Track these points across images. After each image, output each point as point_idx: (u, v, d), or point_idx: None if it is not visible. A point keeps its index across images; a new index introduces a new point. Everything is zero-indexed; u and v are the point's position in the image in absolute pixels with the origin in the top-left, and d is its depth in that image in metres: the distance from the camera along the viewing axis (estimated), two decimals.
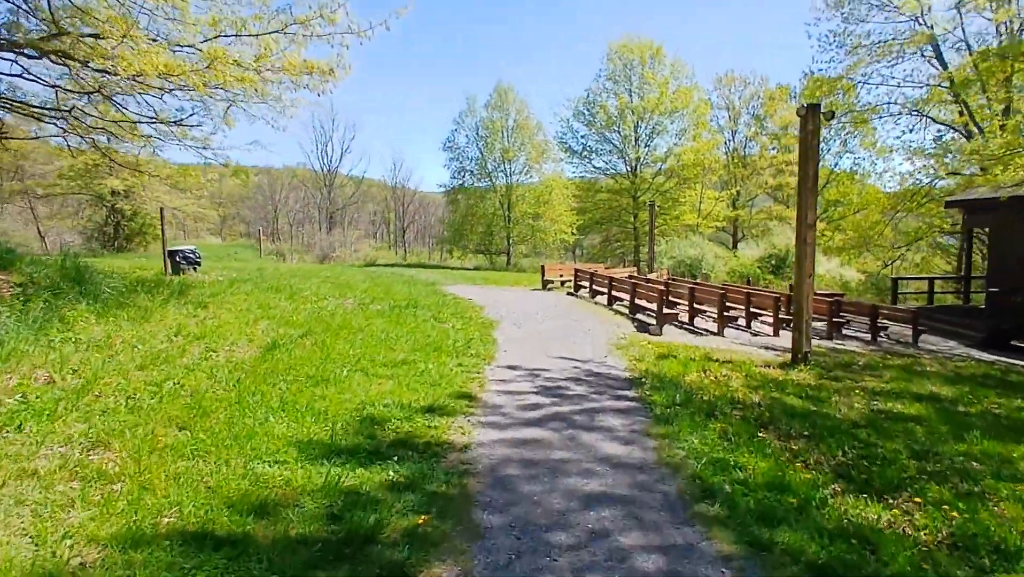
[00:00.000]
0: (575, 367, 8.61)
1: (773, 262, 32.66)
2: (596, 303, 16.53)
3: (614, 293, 15.94)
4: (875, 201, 47.33)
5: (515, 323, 12.49)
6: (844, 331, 15.43)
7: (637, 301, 14.17)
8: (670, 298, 13.74)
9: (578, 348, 10.11)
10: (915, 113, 27.96)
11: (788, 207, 47.36)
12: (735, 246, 45.12)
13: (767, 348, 12.26)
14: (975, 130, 24.78)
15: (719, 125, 46.40)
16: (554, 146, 40.77)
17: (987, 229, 19.96)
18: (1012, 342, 16.41)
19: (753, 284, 24.45)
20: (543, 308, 15.04)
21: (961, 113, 25.91)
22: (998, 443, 6.57)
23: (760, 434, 6.20)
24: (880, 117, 31.15)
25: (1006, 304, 15.88)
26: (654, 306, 13.21)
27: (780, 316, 13.78)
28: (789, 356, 11.14)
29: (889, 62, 26.98)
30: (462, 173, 41.33)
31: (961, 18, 25.36)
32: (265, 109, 10.88)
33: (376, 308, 12.12)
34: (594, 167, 41.41)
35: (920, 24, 25.56)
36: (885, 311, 15.45)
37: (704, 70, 76.01)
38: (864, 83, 28.27)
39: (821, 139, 39.64)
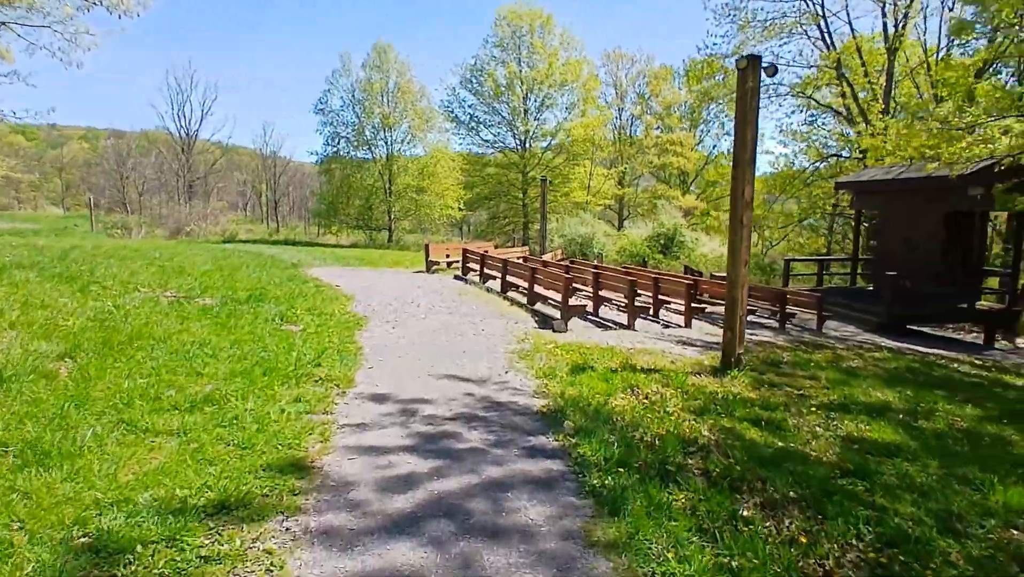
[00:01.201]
0: (467, 393, 6.21)
1: (662, 241, 31.94)
2: (488, 289, 14.22)
3: (509, 279, 13.70)
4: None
5: (390, 320, 9.90)
6: (750, 318, 14.23)
7: (538, 290, 12.01)
8: (574, 285, 11.68)
9: (470, 358, 7.71)
10: (801, 95, 27.80)
11: (670, 187, 47.54)
12: (621, 224, 44.53)
13: (683, 342, 10.52)
14: (858, 115, 24.84)
15: (607, 102, 45.45)
16: (440, 115, 37.76)
17: (875, 212, 19.75)
18: (908, 326, 16.01)
19: (645, 265, 23.23)
20: (427, 297, 12.51)
21: (844, 96, 25.93)
22: (1018, 489, 4.98)
23: (742, 511, 4.15)
24: (768, 98, 30.88)
25: (898, 288, 15.36)
26: (558, 296, 11.10)
27: (693, 305, 12.16)
28: (713, 355, 9.45)
29: (779, 41, 26.51)
30: (337, 140, 37.34)
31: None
32: (50, 36, 7.78)
33: (203, 304, 9.07)
34: (482, 139, 39.00)
35: (808, 4, 25.12)
36: (793, 297, 14.36)
37: (593, 45, 75.81)
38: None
39: (703, 120, 39.00)
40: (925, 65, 25.05)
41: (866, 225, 21.94)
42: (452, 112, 38.43)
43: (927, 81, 25.26)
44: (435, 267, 18.79)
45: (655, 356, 8.93)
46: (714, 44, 30.26)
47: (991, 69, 22.18)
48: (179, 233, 36.24)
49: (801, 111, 34.58)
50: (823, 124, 34.84)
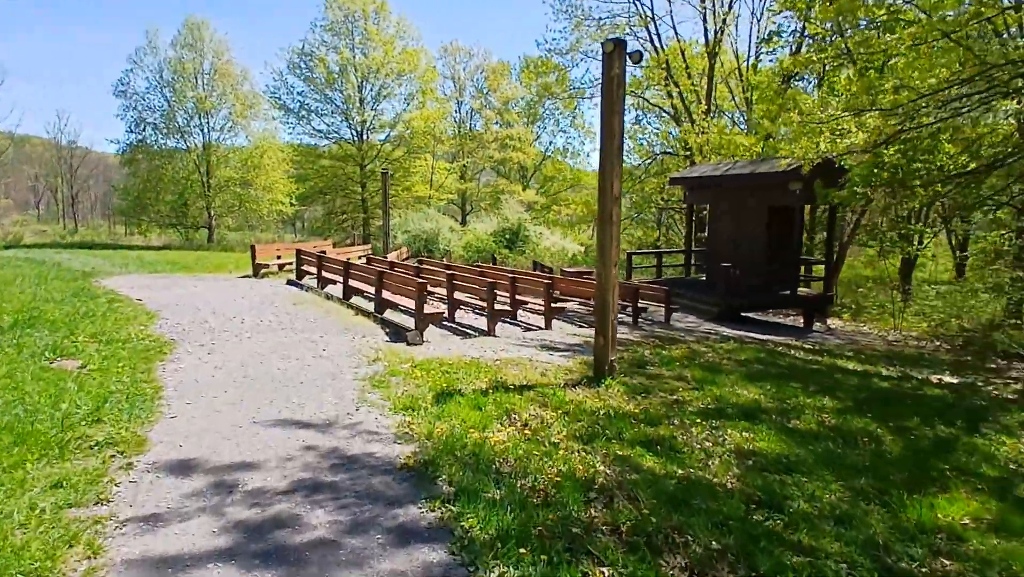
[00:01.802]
0: (308, 446, 4.79)
1: (507, 236, 31.63)
2: (328, 296, 12.53)
3: (353, 283, 12.14)
4: (584, 179, 50.50)
5: (206, 344, 8.03)
6: None
7: (387, 296, 10.62)
8: (428, 289, 10.47)
9: (311, 392, 6.23)
10: (633, 95, 28.71)
11: (511, 181, 47.74)
12: (464, 219, 43.82)
13: (547, 347, 9.76)
14: (684, 115, 26.12)
15: (446, 95, 44.42)
16: (266, 101, 34.25)
17: (707, 206, 20.74)
18: (742, 314, 16.81)
19: (495, 261, 22.58)
20: (254, 310, 10.61)
21: (671, 96, 27.16)
22: (944, 499, 4.72)
23: None
24: (591, 96, 31.54)
25: (732, 279, 16.06)
26: (410, 303, 9.83)
27: (552, 306, 11.50)
28: (581, 360, 8.80)
29: None
30: (142, 126, 32.25)
31: (670, 5, 26.37)
32: None
33: None
34: (315, 129, 36.09)
35: (638, 6, 25.88)
36: (644, 291, 14.34)
37: (430, 37, 74.04)
38: (594, 58, 27.97)
39: (539, 117, 39.15)
40: (737, 71, 27.05)
41: (695, 219, 23.13)
42: (280, 99, 35.11)
43: (739, 86, 27.33)
44: (264, 271, 16.56)
45: (523, 367, 8.04)
46: (553, 39, 30.34)
47: (796, 76, 24.33)
48: None
49: (630, 111, 36.16)
50: (649, 123, 36.73)
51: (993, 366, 13.88)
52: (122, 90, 32.36)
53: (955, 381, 11.24)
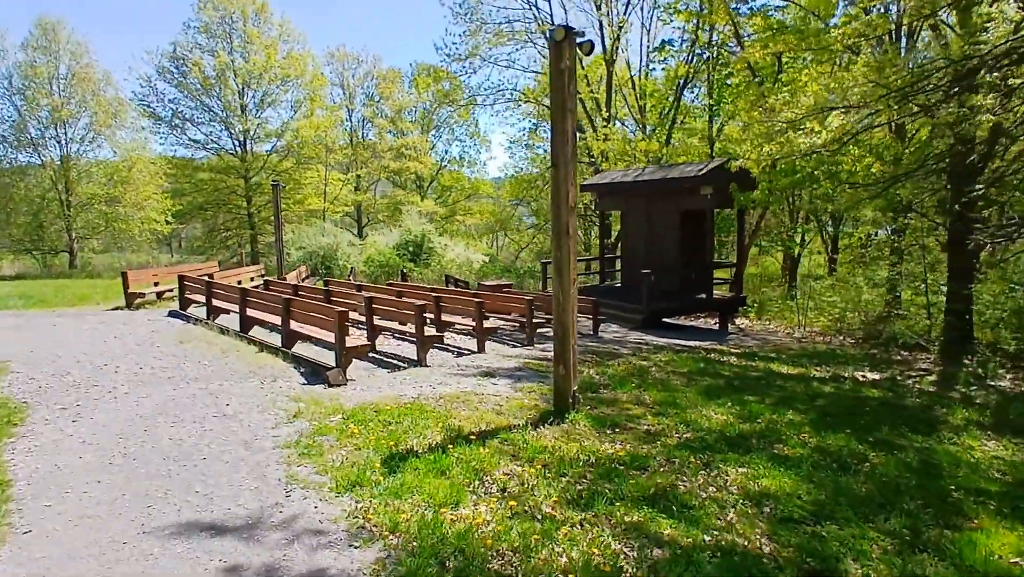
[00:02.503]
0: (228, 568, 3.39)
1: (411, 248, 30.10)
2: (222, 330, 10.68)
3: (252, 313, 10.39)
4: (483, 188, 49.79)
5: (69, 408, 6.21)
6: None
7: (296, 327, 9.05)
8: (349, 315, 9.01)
9: (217, 474, 4.70)
10: (534, 102, 28.21)
11: (407, 192, 46.01)
12: (361, 232, 41.59)
13: (488, 374, 8.64)
14: (587, 122, 25.88)
15: (335, 102, 42.07)
16: (133, 109, 30.52)
17: (618, 213, 20.47)
18: (664, 320, 16.52)
19: (406, 277, 21.10)
20: (130, 354, 8.68)
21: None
22: (980, 534, 4.08)
23: None
24: (493, 103, 30.77)
25: (653, 286, 15.72)
26: (326, 335, 8.35)
27: (485, 326, 10.38)
28: (530, 388, 7.81)
29: (514, 47, 26.45)
30: None
31: (566, 13, 26.10)
32: None
33: None
34: (191, 139, 32.73)
35: (536, 12, 25.38)
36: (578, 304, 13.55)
37: (315, 42, 69.98)
38: (493, 64, 27.18)
39: (433, 125, 37.90)
40: (631, 80, 27.28)
41: (602, 225, 22.91)
42: (149, 107, 31.48)
43: (631, 94, 27.53)
44: (139, 301, 14.20)
45: (472, 404, 6.89)
46: (453, 43, 28.88)
47: (690, 83, 24.80)
48: None
49: (525, 119, 35.82)
50: (545, 132, 36.46)
51: (899, 358, 14.39)
52: None
53: (878, 377, 11.33)
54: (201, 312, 12.56)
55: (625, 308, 16.29)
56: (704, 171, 16.17)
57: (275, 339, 9.90)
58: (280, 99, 33.90)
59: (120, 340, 9.62)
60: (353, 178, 40.18)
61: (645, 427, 6.53)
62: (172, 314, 12.56)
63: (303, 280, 18.67)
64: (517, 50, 27.58)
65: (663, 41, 26.28)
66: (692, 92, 26.80)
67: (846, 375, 11.10)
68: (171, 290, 15.83)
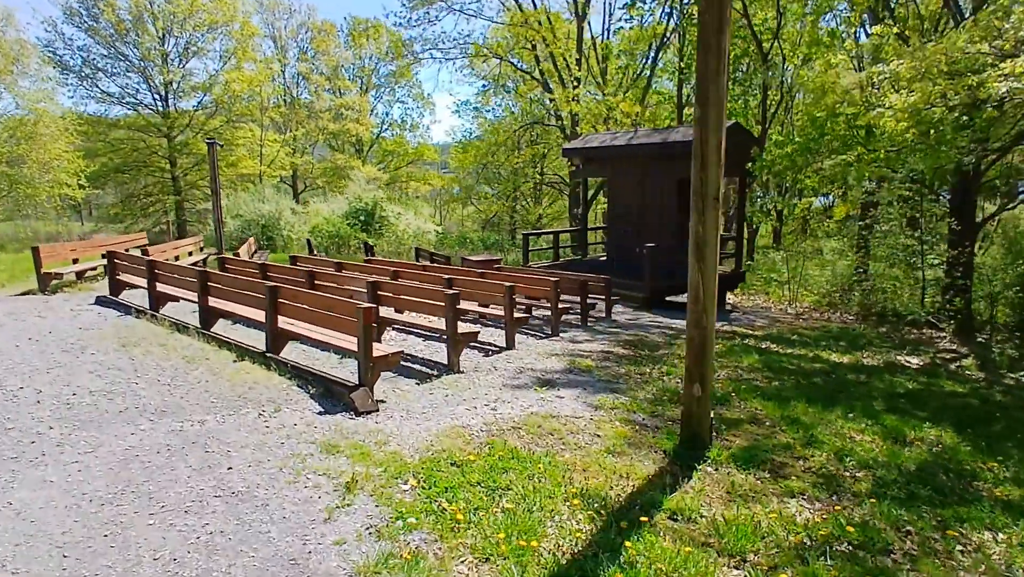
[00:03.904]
0: None
1: (362, 217, 27.23)
2: (176, 326, 8.11)
3: (214, 303, 7.87)
4: (427, 153, 46.69)
5: None
6: (539, 314, 11.17)
7: (287, 325, 6.68)
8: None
9: None
10: (496, 57, 25.64)
11: (348, 156, 42.39)
12: (297, 199, 37.81)
13: (544, 384, 6.66)
14: (557, 82, 23.71)
15: (268, 56, 37.73)
16: (37, 55, 25.55)
17: (604, 179, 18.62)
18: (667, 299, 14.94)
19: (372, 250, 18.48)
20: (53, 369, 6.08)
21: (537, 61, 24.57)
22: None
23: None
24: (444, 60, 27.98)
25: (655, 261, 14.08)
26: (335, 336, 6.08)
27: (515, 315, 8.31)
28: (613, 402, 5.93)
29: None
30: None
31: None
32: None
33: None
34: (104, 92, 28.15)
35: None
36: (593, 284, 11.72)
37: None
38: (460, 12, 24.30)
39: (373, 85, 34.89)
40: (591, 41, 25.22)
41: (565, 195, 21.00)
42: (55, 54, 26.61)
43: (593, 54, 25.45)
44: (55, 283, 11.19)
45: (567, 441, 4.96)
46: None
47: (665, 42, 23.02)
48: None
49: (476, 81, 33.07)
50: (505, 90, 33.96)
51: (912, 337, 13.49)
52: None
53: (918, 362, 10.26)
54: (138, 298, 9.84)
55: (625, 285, 14.56)
56: None
57: (249, 338, 7.50)
58: (206, 48, 29.67)
59: (37, 343, 6.94)
60: (290, 139, 36.33)
61: (804, 465, 4.81)
62: (101, 301, 9.75)
63: (253, 255, 15.83)
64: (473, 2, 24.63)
65: None
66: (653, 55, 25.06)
67: (896, 362, 9.97)
68: (94, 269, 12.80)
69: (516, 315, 8.40)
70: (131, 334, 7.51)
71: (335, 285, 8.56)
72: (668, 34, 22.16)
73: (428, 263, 16.46)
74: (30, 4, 37.64)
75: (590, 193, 24.02)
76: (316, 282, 8.71)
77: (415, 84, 45.84)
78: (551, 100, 24.69)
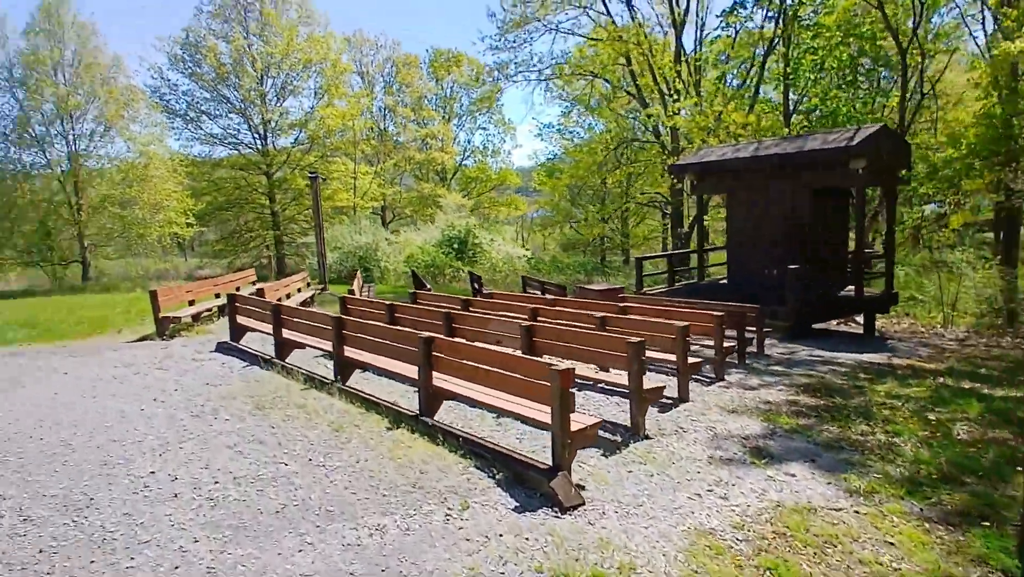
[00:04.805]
0: None
1: (455, 245, 26.56)
2: (310, 379, 7.19)
3: (350, 353, 6.87)
4: (509, 178, 46.11)
5: None
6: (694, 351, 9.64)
7: (446, 383, 5.54)
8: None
9: None
10: (589, 75, 24.48)
11: (434, 185, 42.35)
12: (386, 228, 37.90)
13: (767, 456, 5.18)
14: (657, 95, 22.27)
15: (355, 91, 38.33)
16: (145, 103, 26.50)
17: (724, 195, 16.94)
18: (813, 326, 13.05)
19: (473, 282, 17.46)
20: (185, 443, 5.16)
21: (634, 76, 23.17)
22: None
23: None
24: (539, 80, 26.97)
25: (801, 284, 12.28)
26: (518, 403, 4.87)
27: (689, 360, 6.87)
28: (878, 490, 4.41)
29: (569, 13, 22.69)
30: None
31: None
32: None
33: None
34: (208, 134, 29.06)
35: None
36: (740, 314, 10.11)
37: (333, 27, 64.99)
38: (556, 31, 23.37)
39: (455, 115, 34.38)
40: (694, 49, 23.67)
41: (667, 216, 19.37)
42: (163, 99, 27.71)
43: (684, 67, 23.77)
44: (173, 327, 10.72)
45: (852, 557, 3.49)
46: (512, 4, 24.07)
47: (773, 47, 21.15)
48: None
49: (560, 102, 32.03)
50: (586, 112, 32.80)
51: None
52: None
53: None
54: (258, 342, 9.13)
55: (771, 314, 12.77)
56: (857, 141, 12.61)
57: (382, 386, 6.45)
58: (301, 87, 30.20)
59: (163, 405, 6.14)
60: (381, 171, 36.52)
61: None
62: (222, 348, 9.06)
63: (362, 291, 15.13)
64: (571, 19, 23.51)
65: (734, 2, 22.64)
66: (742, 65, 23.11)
67: None
68: (209, 310, 12.37)
69: (690, 360, 6.98)
70: (263, 391, 6.62)
71: (475, 328, 7.43)
72: (775, 39, 20.32)
73: (540, 293, 15.28)
74: (137, 53, 39.78)
75: (687, 211, 22.31)
76: (454, 325, 7.63)
77: (496, 110, 45.49)
78: (649, 116, 23.24)
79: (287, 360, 8.01)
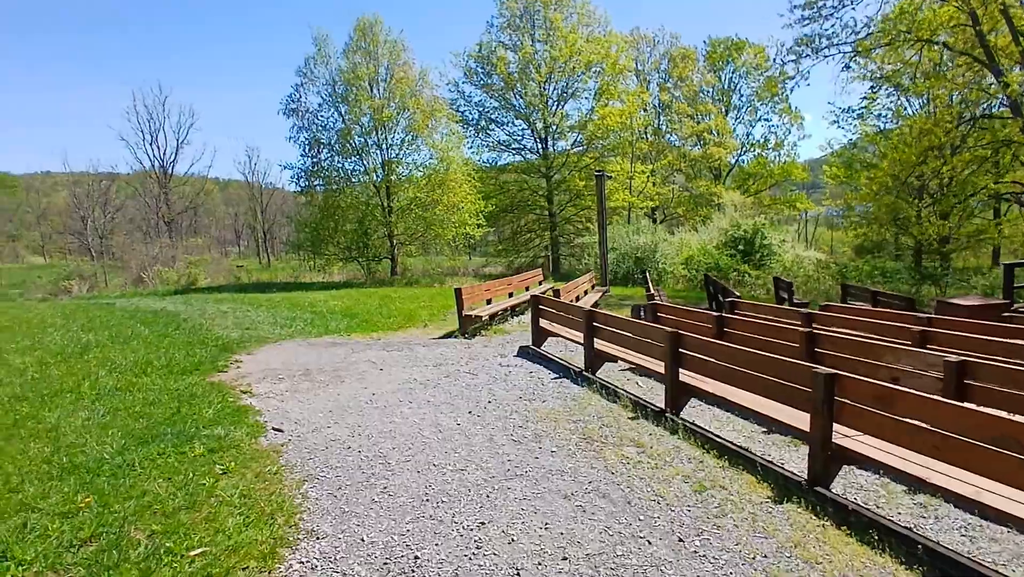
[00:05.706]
0: None
1: (740, 246, 23.73)
2: (633, 404, 5.97)
3: (688, 378, 5.45)
4: (794, 173, 40.74)
5: None
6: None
7: (851, 441, 3.75)
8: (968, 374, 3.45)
9: None
10: (919, 41, 19.41)
11: (708, 182, 39.32)
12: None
13: None
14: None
15: (631, 88, 37.34)
16: (446, 107, 28.66)
17: None
18: None
19: (783, 289, 14.82)
20: (513, 480, 4.22)
21: (980, 37, 17.57)
22: None
23: None
24: (853, 53, 22.37)
25: None
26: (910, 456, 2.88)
27: None
28: None
29: None
30: (317, 148, 27.30)
31: None
32: None
33: None
34: (496, 141, 30.75)
35: None
36: None
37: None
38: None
39: (732, 107, 30.36)
40: None
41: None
42: (459, 111, 30.05)
43: None
44: (473, 326, 10.60)
45: None
46: None
47: None
48: (139, 282, 28.17)
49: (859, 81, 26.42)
50: (885, 97, 26.60)
51: None
52: (293, 108, 27.23)
53: None
54: (554, 345, 8.31)
55: None
56: None
57: (720, 420, 4.82)
58: (581, 89, 30.13)
59: (479, 420, 5.44)
60: (658, 168, 34.98)
61: None
62: (524, 353, 8.43)
63: (660, 296, 13.74)
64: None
65: None
66: None
67: None
68: (504, 310, 12.18)
69: None
70: (586, 416, 5.54)
71: (868, 359, 5.35)
72: None
73: (871, 306, 12.16)
74: (437, 69, 43.21)
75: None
76: (817, 350, 5.67)
77: (782, 97, 40.43)
78: (1006, 85, 17.55)
79: (597, 374, 6.93)
